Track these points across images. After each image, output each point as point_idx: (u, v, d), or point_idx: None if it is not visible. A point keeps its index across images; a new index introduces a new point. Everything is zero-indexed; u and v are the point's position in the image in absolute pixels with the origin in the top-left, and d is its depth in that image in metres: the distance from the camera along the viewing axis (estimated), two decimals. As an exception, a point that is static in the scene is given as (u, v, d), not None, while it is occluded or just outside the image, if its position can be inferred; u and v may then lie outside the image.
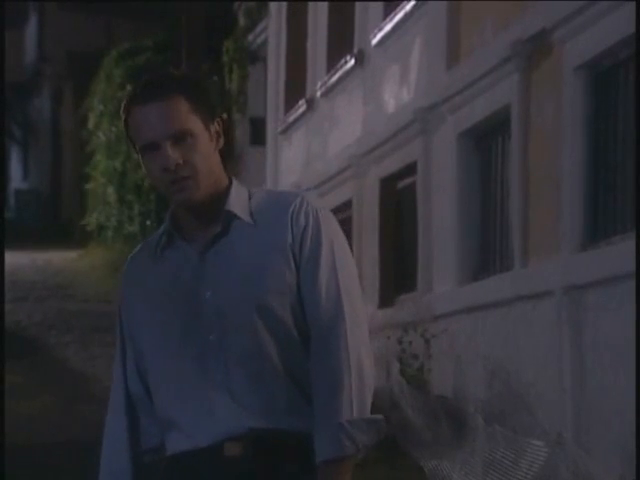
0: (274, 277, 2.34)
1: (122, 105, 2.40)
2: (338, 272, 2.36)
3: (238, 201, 2.38)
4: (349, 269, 2.39)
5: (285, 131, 13.02)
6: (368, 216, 10.38)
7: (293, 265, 2.35)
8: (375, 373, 2.40)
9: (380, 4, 10.40)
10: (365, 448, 2.32)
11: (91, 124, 19.46)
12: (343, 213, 11.15)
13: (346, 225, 11.01)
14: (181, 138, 2.33)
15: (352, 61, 10.92)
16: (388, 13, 10.16)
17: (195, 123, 2.35)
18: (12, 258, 16.84)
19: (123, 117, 2.38)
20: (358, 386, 2.32)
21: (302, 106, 12.36)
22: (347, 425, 2.30)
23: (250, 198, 2.40)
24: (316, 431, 2.32)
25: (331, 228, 2.40)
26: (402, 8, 9.79)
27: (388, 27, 10.09)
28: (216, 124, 2.39)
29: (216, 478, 2.35)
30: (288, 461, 2.34)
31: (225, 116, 2.44)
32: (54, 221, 23.58)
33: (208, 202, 2.37)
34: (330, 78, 11.54)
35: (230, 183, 2.41)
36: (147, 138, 2.34)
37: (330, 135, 11.58)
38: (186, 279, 2.38)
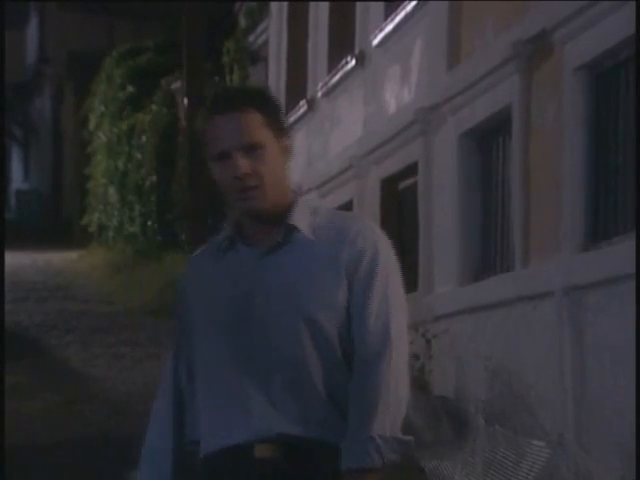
0: (325, 293, 2.45)
1: (199, 114, 2.53)
2: (390, 299, 2.49)
3: (301, 215, 2.51)
4: (400, 298, 2.52)
5: (286, 132, 13.01)
6: (369, 216, 10.37)
7: (346, 285, 2.46)
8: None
9: (381, 5, 10.40)
10: (390, 465, 2.43)
11: (92, 125, 19.46)
12: (344, 213, 11.15)
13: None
14: (252, 149, 2.46)
15: (353, 62, 10.92)
16: (389, 14, 10.16)
17: (266, 136, 2.47)
18: (13, 258, 16.83)
19: (200, 125, 2.51)
20: (394, 408, 2.44)
21: (303, 106, 12.36)
22: (378, 439, 2.40)
23: (312, 214, 2.53)
24: (345, 440, 2.42)
25: (388, 256, 2.55)
26: (403, 8, 9.79)
27: (389, 28, 10.09)
28: (286, 139, 2.52)
29: (244, 478, 2.43)
30: (316, 469, 2.43)
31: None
32: (55, 221, 23.58)
33: (272, 212, 2.48)
34: (331, 79, 11.55)
35: (296, 197, 2.54)
36: (220, 147, 2.47)
37: (331, 135, 11.58)
38: (242, 282, 2.49)
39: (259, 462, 2.42)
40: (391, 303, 2.49)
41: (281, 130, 2.52)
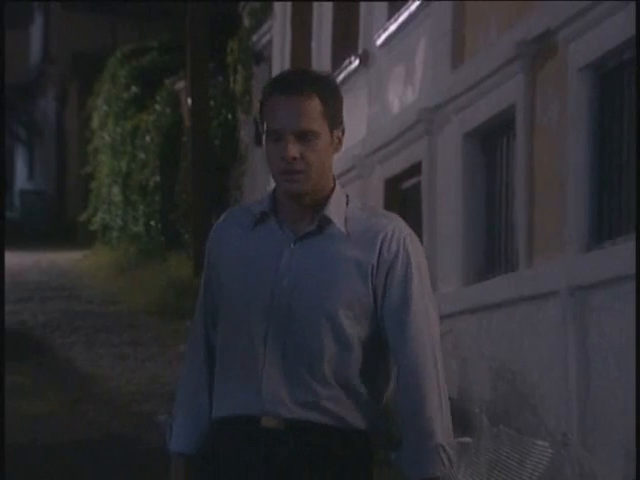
0: (348, 289, 2.51)
1: (263, 88, 2.57)
2: (426, 305, 2.55)
3: (336, 207, 2.55)
4: (432, 301, 2.59)
5: (290, 131, 13.02)
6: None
7: (370, 284, 2.52)
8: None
9: (385, 4, 10.40)
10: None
11: (94, 123, 19.48)
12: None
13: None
14: (304, 135, 2.50)
15: (357, 61, 10.91)
16: (393, 13, 10.16)
17: (321, 125, 2.51)
18: (17, 258, 16.85)
19: (261, 100, 2.56)
20: (447, 412, 2.55)
21: (307, 106, 12.35)
22: (446, 446, 2.52)
23: (347, 204, 2.57)
24: (410, 449, 2.53)
25: (419, 257, 2.57)
26: (407, 8, 9.78)
27: (393, 27, 10.08)
28: (339, 131, 2.56)
29: (251, 444, 2.52)
30: (315, 449, 2.52)
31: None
32: (59, 222, 23.60)
33: (312, 199, 2.54)
34: (334, 78, 11.54)
35: (334, 187, 2.58)
36: (275, 127, 2.51)
37: (335, 135, 11.57)
38: (273, 260, 2.55)
39: (265, 431, 2.51)
40: (427, 307, 2.55)
41: (337, 121, 2.55)
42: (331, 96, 2.54)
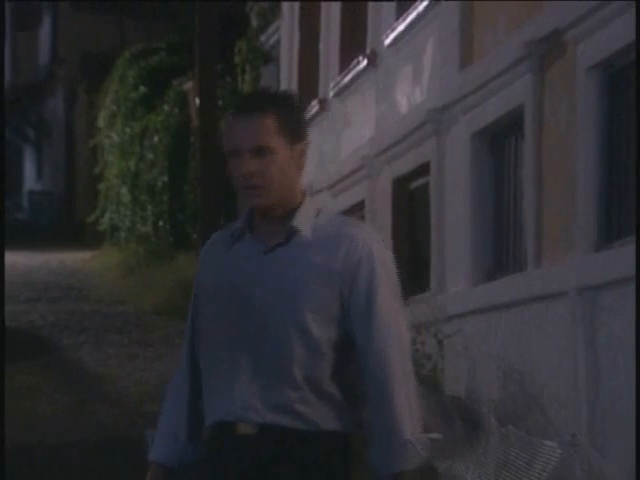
0: (315, 294, 2.62)
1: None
2: (390, 308, 2.65)
3: (304, 218, 2.66)
4: (399, 304, 2.69)
5: (298, 132, 13.01)
6: (381, 216, 10.37)
7: (337, 288, 2.63)
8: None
9: (393, 4, 10.39)
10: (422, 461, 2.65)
11: (100, 122, 19.49)
12: (356, 213, 11.13)
13: (359, 226, 10.98)
14: (260, 152, 2.62)
15: (365, 62, 10.90)
16: (401, 13, 10.15)
17: (278, 141, 2.62)
18: (26, 259, 16.87)
19: (225, 121, 2.71)
20: (415, 409, 2.64)
21: (315, 107, 12.35)
22: (414, 441, 2.60)
23: (317, 215, 2.68)
24: (378, 445, 2.61)
25: (385, 264, 2.65)
26: (415, 8, 9.77)
27: (401, 27, 10.07)
28: (302, 145, 2.67)
29: (232, 451, 2.64)
30: (291, 452, 2.61)
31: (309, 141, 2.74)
32: (68, 222, 23.62)
33: (280, 212, 2.66)
34: (343, 79, 11.53)
35: (305, 198, 2.69)
36: (233, 145, 2.64)
37: (343, 135, 11.57)
38: (245, 273, 2.67)
39: (240, 438, 2.61)
40: (394, 307, 2.66)
41: (297, 135, 2.66)
42: (289, 112, 2.65)
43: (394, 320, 2.64)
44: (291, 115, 2.66)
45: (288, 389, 2.60)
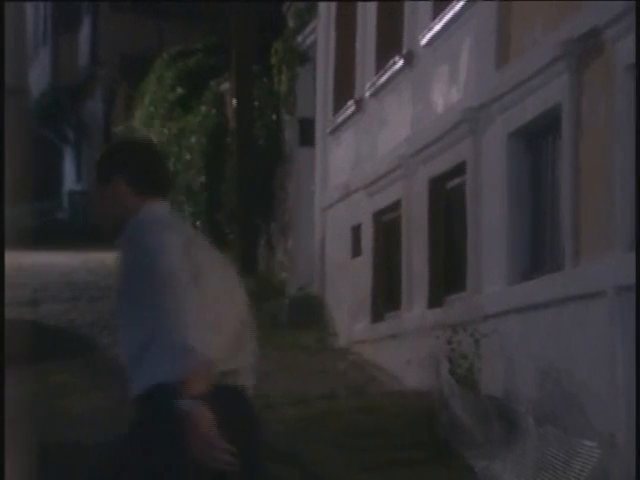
0: (119, 285, 3.75)
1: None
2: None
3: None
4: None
5: (334, 132, 13.03)
6: (417, 216, 10.36)
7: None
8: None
9: (429, 4, 10.37)
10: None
11: (138, 123, 19.59)
12: (392, 213, 11.13)
13: (395, 225, 10.98)
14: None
15: (401, 61, 10.90)
16: (437, 13, 10.13)
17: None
18: (65, 259, 16.99)
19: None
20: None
21: (351, 107, 12.36)
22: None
23: None
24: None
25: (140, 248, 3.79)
26: (451, 8, 9.76)
27: (437, 27, 10.06)
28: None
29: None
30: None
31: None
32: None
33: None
34: (379, 79, 11.53)
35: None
36: None
37: (379, 135, 11.57)
38: None
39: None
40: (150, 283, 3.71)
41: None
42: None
43: (158, 289, 3.68)
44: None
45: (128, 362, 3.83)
